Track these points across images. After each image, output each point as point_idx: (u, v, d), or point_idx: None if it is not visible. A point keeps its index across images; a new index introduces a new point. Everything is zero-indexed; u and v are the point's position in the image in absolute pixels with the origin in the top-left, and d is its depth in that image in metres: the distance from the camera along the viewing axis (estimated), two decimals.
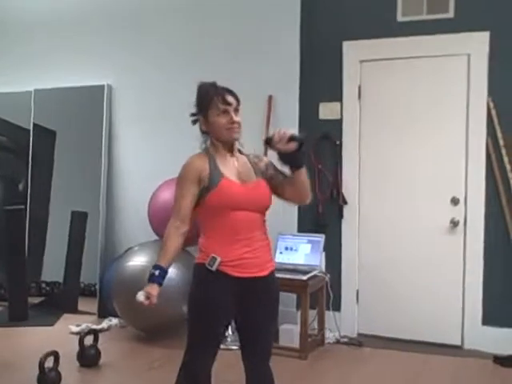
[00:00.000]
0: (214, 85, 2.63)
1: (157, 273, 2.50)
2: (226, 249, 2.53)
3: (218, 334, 2.63)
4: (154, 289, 2.48)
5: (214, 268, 2.51)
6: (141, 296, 2.46)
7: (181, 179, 2.59)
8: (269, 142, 2.51)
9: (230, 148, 2.63)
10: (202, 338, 2.58)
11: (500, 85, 4.42)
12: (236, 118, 2.58)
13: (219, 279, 2.53)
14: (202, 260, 2.56)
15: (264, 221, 2.66)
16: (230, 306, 2.58)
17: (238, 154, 2.66)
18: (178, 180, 2.60)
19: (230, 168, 2.59)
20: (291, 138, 2.46)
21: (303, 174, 2.57)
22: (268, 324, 2.69)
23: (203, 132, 2.65)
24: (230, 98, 2.58)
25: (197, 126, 2.67)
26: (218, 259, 2.51)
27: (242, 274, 2.54)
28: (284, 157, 2.51)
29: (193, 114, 2.66)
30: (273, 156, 2.60)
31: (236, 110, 2.60)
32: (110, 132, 5.63)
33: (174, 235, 2.56)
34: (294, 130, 2.55)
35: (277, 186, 2.65)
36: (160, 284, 2.50)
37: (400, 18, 4.68)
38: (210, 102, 2.57)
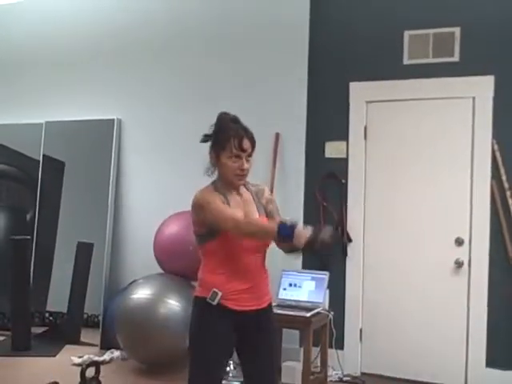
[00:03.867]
0: (234, 121, 2.59)
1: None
2: (227, 284, 2.55)
3: (219, 368, 2.62)
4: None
5: (215, 302, 2.53)
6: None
7: (205, 202, 2.51)
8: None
9: (235, 187, 2.63)
10: (204, 372, 2.56)
11: (504, 128, 4.47)
12: (246, 166, 2.54)
13: (220, 313, 2.54)
14: (202, 294, 2.58)
15: (264, 258, 2.69)
16: (230, 340, 2.59)
17: (242, 190, 2.66)
18: (203, 205, 2.51)
19: (236, 208, 2.58)
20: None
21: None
22: (271, 354, 2.67)
23: (211, 163, 2.62)
24: (245, 144, 2.53)
25: (206, 159, 2.64)
26: (220, 294, 2.53)
27: (242, 308, 2.56)
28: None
29: (206, 136, 2.61)
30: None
31: (248, 157, 2.56)
32: (119, 165, 5.70)
33: (244, 221, 2.50)
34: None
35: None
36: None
37: (406, 60, 4.77)
38: (226, 143, 2.51)
